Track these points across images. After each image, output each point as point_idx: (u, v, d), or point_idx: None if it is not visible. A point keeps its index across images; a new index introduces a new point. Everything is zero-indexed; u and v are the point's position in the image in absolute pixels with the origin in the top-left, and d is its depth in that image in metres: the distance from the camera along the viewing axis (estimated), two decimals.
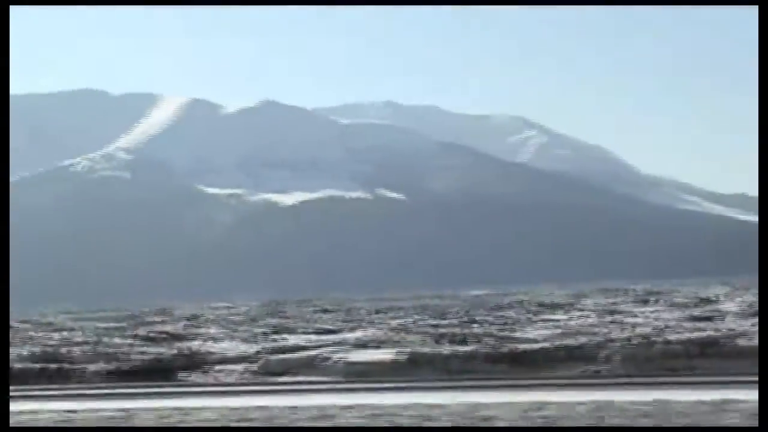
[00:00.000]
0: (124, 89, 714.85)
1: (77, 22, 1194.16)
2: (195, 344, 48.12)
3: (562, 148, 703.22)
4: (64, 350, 44.98)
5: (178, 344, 49.10)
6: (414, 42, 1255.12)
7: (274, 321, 74.69)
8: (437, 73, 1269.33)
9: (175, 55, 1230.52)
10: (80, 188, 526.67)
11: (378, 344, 43.26)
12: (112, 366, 38.35)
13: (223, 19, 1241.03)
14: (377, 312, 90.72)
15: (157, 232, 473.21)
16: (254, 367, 38.95)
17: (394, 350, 39.16)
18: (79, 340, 55.67)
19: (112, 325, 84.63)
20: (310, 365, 38.11)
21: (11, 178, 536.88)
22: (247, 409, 24.31)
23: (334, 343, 43.69)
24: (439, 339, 45.08)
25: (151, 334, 57.30)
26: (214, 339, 54.16)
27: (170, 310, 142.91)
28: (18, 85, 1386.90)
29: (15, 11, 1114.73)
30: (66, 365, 38.95)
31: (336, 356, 38.50)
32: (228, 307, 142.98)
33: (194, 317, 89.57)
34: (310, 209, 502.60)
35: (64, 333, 68.23)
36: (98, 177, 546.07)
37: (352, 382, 32.65)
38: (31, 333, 63.24)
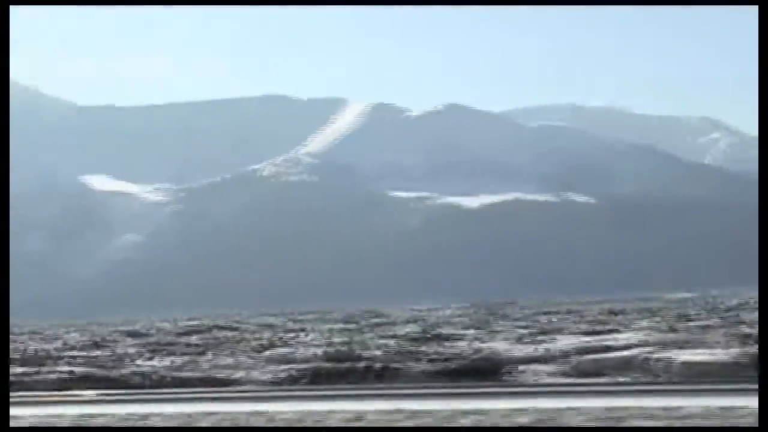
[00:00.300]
0: (310, 94, 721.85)
1: (267, 28, 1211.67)
2: (479, 345, 45.77)
3: (752, 150, 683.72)
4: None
5: (449, 344, 47.54)
6: (597, 44, 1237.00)
7: (527, 321, 72.56)
8: (619, 74, 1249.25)
9: (362, 60, 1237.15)
10: (267, 193, 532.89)
11: (680, 345, 40.33)
12: (433, 366, 36.72)
13: (407, 23, 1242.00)
14: (614, 314, 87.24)
15: (345, 236, 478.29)
16: (564, 368, 36.04)
17: (725, 351, 35.69)
18: (340, 340, 54.40)
19: (339, 326, 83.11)
20: (627, 366, 35.00)
21: (203, 182, 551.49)
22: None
23: (645, 344, 40.57)
24: (744, 340, 41.69)
25: (413, 335, 55.88)
26: (478, 339, 52.23)
27: (378, 311, 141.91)
28: (210, 92, 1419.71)
29: (214, 17, 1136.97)
30: (376, 365, 37.11)
31: (656, 356, 35.25)
32: (431, 309, 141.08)
33: (420, 320, 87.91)
34: (495, 212, 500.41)
35: (304, 333, 67.01)
36: (284, 182, 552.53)
37: (698, 383, 29.35)
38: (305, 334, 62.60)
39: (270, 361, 45.38)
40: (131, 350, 56.30)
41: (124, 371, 44.36)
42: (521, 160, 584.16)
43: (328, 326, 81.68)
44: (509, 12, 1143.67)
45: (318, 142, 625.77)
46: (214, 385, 39.32)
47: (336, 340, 55.48)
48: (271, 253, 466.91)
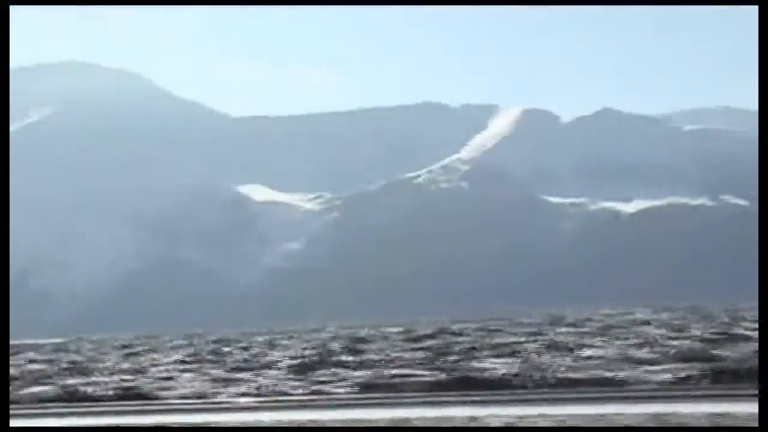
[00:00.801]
0: (463, 101, 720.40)
1: (416, 36, 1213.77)
2: None
3: None
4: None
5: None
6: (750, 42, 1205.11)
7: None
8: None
9: (513, 66, 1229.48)
10: (422, 199, 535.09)
11: None
12: None
13: (558, 25, 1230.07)
14: None
15: (500, 241, 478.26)
16: None
17: None
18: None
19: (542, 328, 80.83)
20: None
21: (358, 191, 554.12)
22: None
23: None
24: None
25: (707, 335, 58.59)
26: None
27: (560, 315, 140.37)
28: (363, 100, 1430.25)
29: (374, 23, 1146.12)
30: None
31: None
32: (624, 313, 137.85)
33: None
34: (653, 217, 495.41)
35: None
36: (439, 189, 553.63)
37: None
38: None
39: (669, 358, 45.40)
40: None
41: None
42: (676, 164, 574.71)
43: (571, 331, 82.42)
44: (660, 11, 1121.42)
45: (471, 148, 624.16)
46: (606, 384, 39.13)
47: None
48: (426, 259, 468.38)
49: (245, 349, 70.82)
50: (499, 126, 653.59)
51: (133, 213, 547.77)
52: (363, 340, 77.81)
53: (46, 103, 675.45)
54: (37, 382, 48.71)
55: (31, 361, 67.48)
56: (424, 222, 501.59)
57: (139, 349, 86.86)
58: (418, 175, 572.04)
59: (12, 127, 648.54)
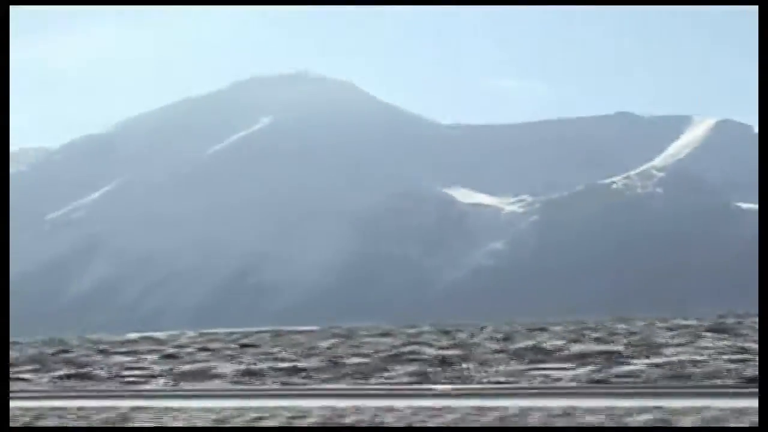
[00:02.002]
0: (657, 111, 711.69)
1: (603, 48, 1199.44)
2: None
3: None
4: None
5: None
6: None
7: None
8: None
9: (706, 77, 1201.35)
10: (618, 204, 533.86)
11: None
12: None
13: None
14: None
15: (695, 244, 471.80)
16: None
17: None
18: None
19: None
20: None
21: (558, 195, 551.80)
22: None
23: None
24: None
25: None
26: None
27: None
28: (557, 110, 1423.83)
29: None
30: None
31: None
32: None
33: None
34: None
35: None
36: (635, 194, 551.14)
37: None
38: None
39: None
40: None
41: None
42: None
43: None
44: None
45: (665, 157, 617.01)
46: None
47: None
48: (621, 261, 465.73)
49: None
50: (692, 135, 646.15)
51: (346, 212, 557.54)
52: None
53: (267, 111, 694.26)
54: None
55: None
56: (621, 225, 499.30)
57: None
58: (614, 181, 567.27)
59: (238, 134, 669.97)
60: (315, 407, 24.16)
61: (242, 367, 42.43)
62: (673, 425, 19.98)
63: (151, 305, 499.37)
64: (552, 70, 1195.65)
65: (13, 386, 37.20)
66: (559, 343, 52.46)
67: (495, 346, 53.17)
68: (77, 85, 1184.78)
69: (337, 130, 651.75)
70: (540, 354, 45.52)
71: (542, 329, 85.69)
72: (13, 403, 27.07)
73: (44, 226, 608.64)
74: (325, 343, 64.60)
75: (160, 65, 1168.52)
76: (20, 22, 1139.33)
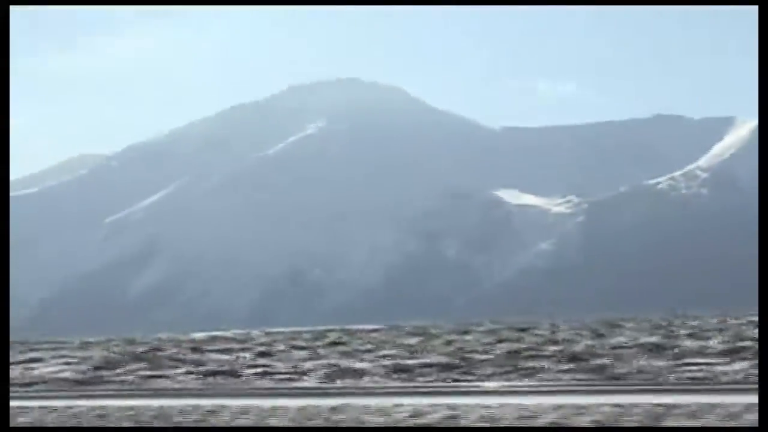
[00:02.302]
0: (700, 114, 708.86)
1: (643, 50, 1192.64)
2: None
3: None
4: None
5: None
6: None
7: None
8: None
9: (749, 79, 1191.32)
10: (663, 205, 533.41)
11: None
12: None
13: None
14: None
15: (737, 243, 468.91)
16: None
17: None
18: None
19: None
20: None
21: (604, 195, 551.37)
22: None
23: None
24: None
25: None
26: None
27: None
28: (605, 113, 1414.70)
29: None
30: None
31: None
32: None
33: None
34: None
35: None
36: (679, 194, 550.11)
37: None
38: None
39: None
40: None
41: None
42: None
43: None
44: None
45: (709, 158, 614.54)
46: None
47: None
48: (667, 260, 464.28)
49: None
50: (736, 137, 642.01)
51: (396, 214, 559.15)
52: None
53: (319, 116, 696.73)
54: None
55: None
56: (666, 224, 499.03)
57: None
58: (660, 182, 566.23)
59: (291, 139, 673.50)
60: (568, 404, 21.20)
61: (373, 364, 40.54)
62: None
63: (207, 305, 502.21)
64: (599, 73, 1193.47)
65: (170, 384, 36.70)
66: (657, 339, 49.90)
67: (593, 342, 51.78)
68: (134, 92, 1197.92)
69: (387, 133, 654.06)
70: (661, 350, 42.41)
71: (617, 326, 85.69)
72: (209, 401, 26.10)
73: (104, 228, 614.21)
74: (412, 341, 63.82)
75: (214, 72, 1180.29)
76: (83, 28, 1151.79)
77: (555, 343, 51.76)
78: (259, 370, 40.93)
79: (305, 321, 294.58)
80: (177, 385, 35.88)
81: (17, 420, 23.46)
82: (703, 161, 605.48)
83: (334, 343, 62.83)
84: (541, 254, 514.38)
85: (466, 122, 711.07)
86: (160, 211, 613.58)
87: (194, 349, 61.06)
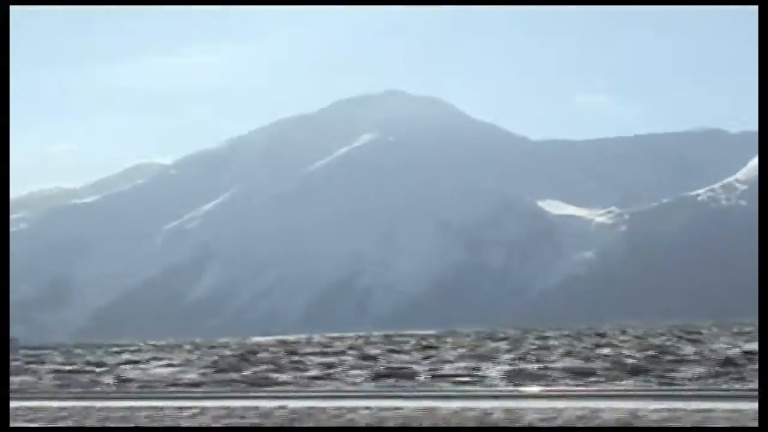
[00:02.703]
0: (739, 128, 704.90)
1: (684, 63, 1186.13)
2: None
3: None
4: None
5: None
6: None
7: None
8: None
9: None
10: (703, 215, 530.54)
11: None
12: None
13: None
14: None
15: None
16: None
17: None
18: None
19: None
20: None
21: (646, 206, 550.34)
22: None
23: None
24: None
25: None
26: None
27: None
28: (656, 126, 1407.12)
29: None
30: None
31: None
32: None
33: None
34: None
35: None
36: (719, 206, 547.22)
37: None
38: None
39: None
40: None
41: None
42: None
43: None
44: None
45: (748, 170, 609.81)
46: None
47: None
48: (707, 269, 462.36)
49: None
50: None
51: (442, 222, 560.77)
52: None
53: (367, 129, 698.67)
54: None
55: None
56: (706, 235, 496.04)
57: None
58: (700, 194, 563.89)
59: (342, 150, 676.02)
60: None
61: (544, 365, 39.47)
62: None
63: (262, 310, 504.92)
64: (640, 87, 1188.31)
65: (346, 386, 35.34)
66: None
67: (699, 348, 50.38)
68: (192, 103, 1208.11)
69: (432, 145, 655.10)
70: None
71: (695, 332, 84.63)
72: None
73: (160, 236, 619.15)
74: (500, 344, 64.08)
75: (270, 85, 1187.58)
76: (151, 45, 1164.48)
77: (660, 349, 51.42)
78: (426, 370, 39.85)
79: (356, 326, 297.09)
80: (361, 389, 33.87)
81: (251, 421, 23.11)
82: (741, 174, 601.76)
83: (427, 347, 62.50)
84: (584, 263, 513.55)
85: (508, 134, 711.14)
86: (216, 219, 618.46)
87: (292, 353, 61.37)
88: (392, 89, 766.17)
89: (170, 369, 50.24)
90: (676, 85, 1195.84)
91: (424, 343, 73.95)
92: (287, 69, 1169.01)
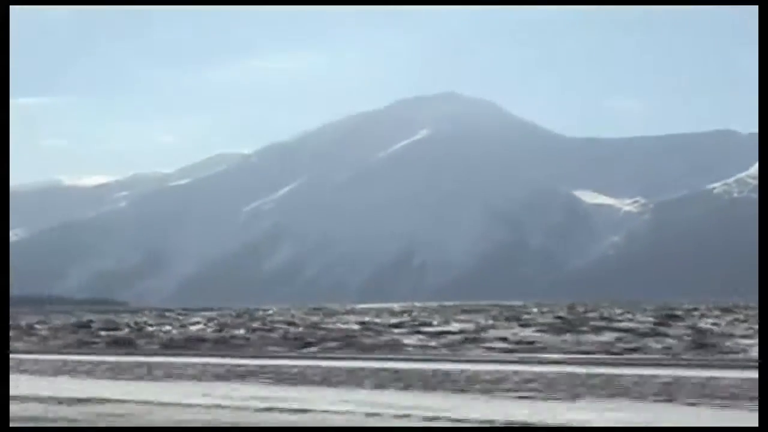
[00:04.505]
0: (751, 128, 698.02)
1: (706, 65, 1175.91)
2: None
3: None
4: None
5: None
6: None
7: None
8: None
9: None
10: (719, 207, 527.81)
11: None
12: None
13: None
14: None
15: None
16: None
17: None
18: None
19: None
20: None
21: (668, 197, 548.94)
22: None
23: None
24: None
25: None
26: None
27: None
28: (669, 126, 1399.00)
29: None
30: None
31: None
32: None
33: None
34: None
35: None
36: (732, 198, 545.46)
37: None
38: None
39: None
40: None
41: None
42: None
43: None
44: None
45: (757, 167, 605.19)
46: None
47: None
48: (722, 254, 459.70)
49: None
50: None
51: (488, 207, 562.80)
52: None
53: (423, 125, 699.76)
54: None
55: None
56: (721, 223, 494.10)
57: None
58: (715, 187, 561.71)
59: (401, 143, 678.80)
60: None
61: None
62: None
63: (328, 282, 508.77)
64: (663, 91, 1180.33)
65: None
66: None
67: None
68: (271, 101, 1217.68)
69: (482, 140, 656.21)
70: None
71: (727, 310, 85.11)
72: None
73: (241, 216, 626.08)
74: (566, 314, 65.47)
75: (339, 83, 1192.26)
76: (240, 49, 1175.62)
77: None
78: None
79: (413, 297, 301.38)
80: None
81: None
82: (753, 170, 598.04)
83: (511, 318, 61.40)
84: (613, 246, 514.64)
85: (548, 132, 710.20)
86: (288, 202, 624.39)
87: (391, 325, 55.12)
88: (447, 91, 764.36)
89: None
90: (694, 91, 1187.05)
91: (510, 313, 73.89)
92: (355, 71, 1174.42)
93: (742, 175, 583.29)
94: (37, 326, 60.57)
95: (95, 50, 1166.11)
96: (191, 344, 40.45)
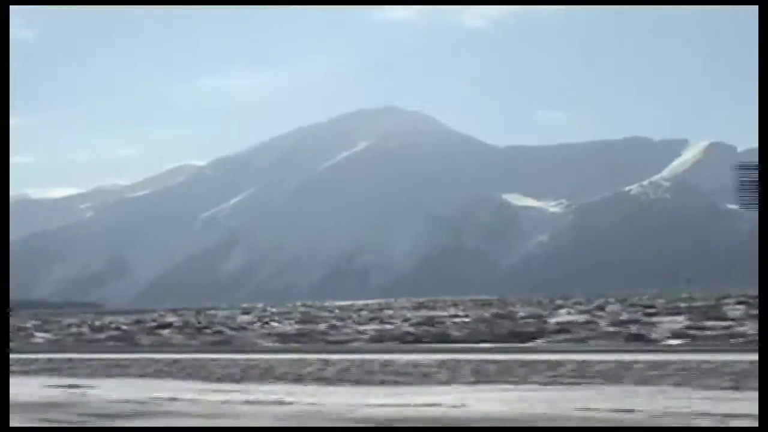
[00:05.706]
0: (662, 135, 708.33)
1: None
2: None
3: None
4: None
5: None
6: None
7: None
8: None
9: (701, 106, 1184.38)
10: (635, 208, 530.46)
11: None
12: None
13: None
14: None
15: (693, 237, 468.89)
16: None
17: None
18: None
19: None
20: None
21: (589, 200, 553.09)
22: None
23: None
24: None
25: None
26: None
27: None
28: (588, 134, 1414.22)
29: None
30: None
31: None
32: None
33: None
34: None
35: None
36: (648, 199, 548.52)
37: None
38: None
39: None
40: None
41: None
42: None
43: None
44: None
45: (670, 170, 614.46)
46: None
47: None
48: (639, 250, 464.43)
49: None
50: (690, 154, 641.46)
51: (427, 213, 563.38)
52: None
53: (365, 137, 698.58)
54: None
55: None
56: (638, 222, 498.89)
57: None
58: (632, 189, 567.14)
59: (344, 154, 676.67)
60: None
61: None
62: None
63: (280, 283, 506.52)
64: (582, 102, 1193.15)
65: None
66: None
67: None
68: (223, 116, 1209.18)
69: (419, 150, 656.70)
70: None
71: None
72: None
73: (198, 223, 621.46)
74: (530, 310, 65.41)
75: (286, 99, 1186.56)
76: (199, 69, 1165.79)
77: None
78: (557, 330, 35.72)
79: (358, 296, 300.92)
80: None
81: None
82: (665, 173, 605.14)
83: (498, 316, 56.27)
84: (540, 245, 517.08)
85: (479, 142, 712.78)
86: (242, 209, 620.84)
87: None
88: (385, 105, 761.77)
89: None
90: (610, 100, 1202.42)
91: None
92: (301, 87, 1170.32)
93: (656, 177, 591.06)
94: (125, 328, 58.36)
95: (58, 68, 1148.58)
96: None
